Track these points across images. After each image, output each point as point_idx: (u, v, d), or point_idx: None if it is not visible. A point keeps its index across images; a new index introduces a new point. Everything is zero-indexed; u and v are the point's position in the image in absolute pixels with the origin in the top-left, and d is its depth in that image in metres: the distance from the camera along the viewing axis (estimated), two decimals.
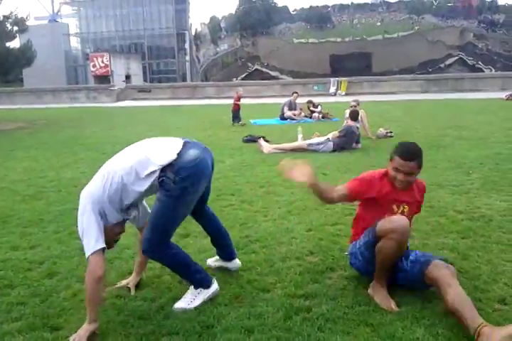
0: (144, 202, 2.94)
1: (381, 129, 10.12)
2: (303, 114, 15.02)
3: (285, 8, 58.97)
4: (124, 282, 3.06)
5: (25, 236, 4.16)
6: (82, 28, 62.43)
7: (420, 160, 3.04)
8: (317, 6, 55.92)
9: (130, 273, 3.13)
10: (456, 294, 2.42)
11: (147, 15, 60.21)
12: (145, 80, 55.01)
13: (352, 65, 48.43)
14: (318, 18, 54.47)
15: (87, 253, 2.51)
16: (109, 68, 47.35)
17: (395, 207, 2.95)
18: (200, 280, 2.79)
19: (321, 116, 14.71)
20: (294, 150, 8.53)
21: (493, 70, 45.03)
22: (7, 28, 19.40)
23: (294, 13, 58.91)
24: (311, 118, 14.77)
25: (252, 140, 9.61)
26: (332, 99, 23.11)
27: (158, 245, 2.67)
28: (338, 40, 52.74)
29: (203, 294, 2.78)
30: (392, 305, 2.66)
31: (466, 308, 2.35)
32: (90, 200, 2.56)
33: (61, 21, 62.45)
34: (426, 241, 3.71)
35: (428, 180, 5.88)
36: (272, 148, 8.57)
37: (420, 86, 27.82)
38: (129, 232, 3.16)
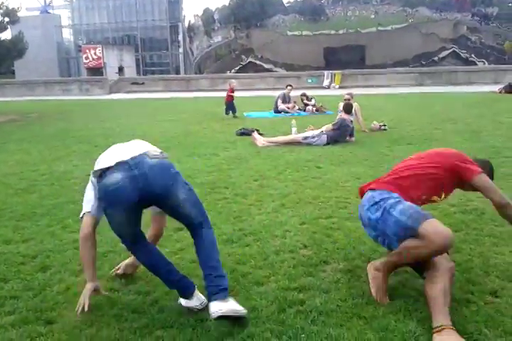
0: None
1: (375, 122, 10.13)
2: (297, 107, 15.00)
3: (279, 0, 58.74)
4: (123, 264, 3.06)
5: (18, 230, 4.14)
6: (74, 20, 61.92)
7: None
8: None
9: None
10: (440, 289, 2.41)
11: (140, 7, 59.79)
12: (138, 72, 54.73)
13: (346, 57, 48.41)
14: (312, 11, 54.31)
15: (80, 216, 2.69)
16: (101, 60, 47.07)
17: (443, 194, 2.98)
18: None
19: (314, 109, 14.70)
20: (287, 143, 8.53)
21: (486, 63, 45.14)
22: None
23: (288, 5, 58.73)
24: (304, 111, 14.75)
25: (245, 133, 9.59)
26: (326, 92, 23.08)
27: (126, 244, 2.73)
28: (332, 32, 52.65)
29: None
30: (385, 299, 2.66)
31: (436, 306, 2.36)
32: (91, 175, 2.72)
33: (53, 12, 61.90)
34: None
35: None
36: (265, 141, 8.56)
37: (414, 79, 27.86)
38: None
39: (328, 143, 8.42)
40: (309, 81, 28.83)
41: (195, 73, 52.90)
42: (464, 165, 2.85)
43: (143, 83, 32.03)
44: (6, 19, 19.70)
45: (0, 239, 3.91)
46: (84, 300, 2.54)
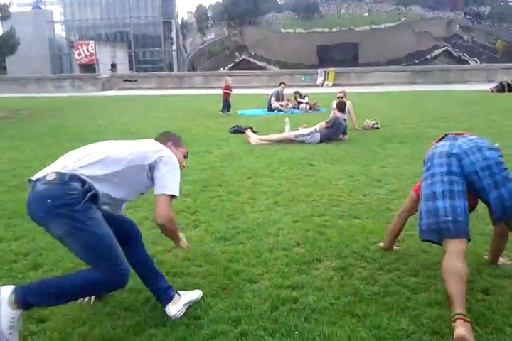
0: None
1: (368, 121, 10.16)
2: (290, 104, 15.00)
3: None
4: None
5: (10, 228, 4.12)
6: (66, 16, 61.50)
7: None
8: None
9: None
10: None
11: (133, 3, 59.49)
12: (131, 69, 54.48)
13: (339, 55, 48.45)
14: (305, 8, 54.29)
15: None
16: (94, 57, 46.79)
17: None
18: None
19: (308, 107, 14.71)
20: (281, 141, 8.53)
21: (479, 62, 45.36)
22: None
23: (282, 2, 58.66)
24: (298, 109, 14.76)
25: (239, 130, 9.58)
26: (319, 90, 23.09)
27: None
28: (326, 30, 52.67)
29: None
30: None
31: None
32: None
33: (45, 8, 61.40)
34: (411, 232, 3.73)
35: (413, 171, 5.94)
36: (259, 139, 8.56)
37: (407, 77, 27.93)
38: None
39: (321, 141, 8.43)
40: (303, 79, 28.83)
41: (189, 70, 52.75)
42: None
43: (136, 80, 31.88)
44: None
45: None
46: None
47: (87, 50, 47.06)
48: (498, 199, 2.59)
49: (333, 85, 26.81)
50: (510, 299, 2.64)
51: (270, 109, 14.66)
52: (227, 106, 13.95)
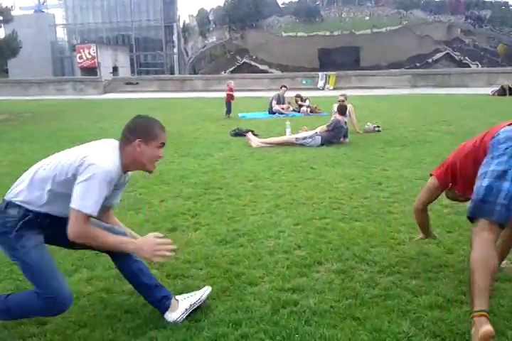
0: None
1: (369, 124, 10.16)
2: (291, 108, 15.02)
3: (274, 1, 58.71)
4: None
5: None
6: (68, 19, 61.64)
7: None
8: (306, 0, 55.77)
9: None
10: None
11: (135, 7, 59.60)
12: (132, 72, 54.59)
13: (340, 59, 48.49)
14: (306, 12, 54.33)
15: None
16: (96, 60, 46.89)
17: None
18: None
19: (309, 110, 14.72)
20: (282, 144, 8.54)
21: (480, 66, 45.37)
22: None
23: (283, 6, 58.69)
24: (299, 112, 14.77)
25: (240, 134, 9.59)
26: (320, 93, 23.12)
27: None
28: (327, 34, 52.71)
29: None
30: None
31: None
32: None
33: (47, 11, 61.57)
34: (412, 235, 3.74)
35: (414, 174, 5.94)
36: (260, 142, 8.57)
37: (408, 81, 27.94)
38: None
39: (322, 144, 8.43)
40: (304, 82, 28.85)
41: (190, 73, 52.79)
42: None
43: (137, 83, 31.93)
44: (0, 18, 19.60)
45: None
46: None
47: (89, 53, 47.16)
48: None
49: (334, 89, 26.83)
50: (511, 302, 2.63)
51: (271, 112, 14.68)
52: (228, 109, 14.00)
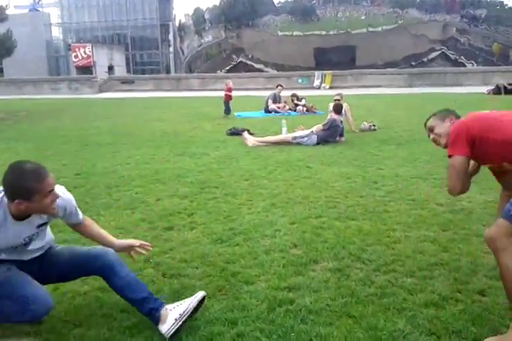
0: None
1: (364, 123, 10.18)
2: (287, 107, 15.03)
3: (270, 0, 58.78)
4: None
5: None
6: (63, 18, 61.47)
7: (437, 114, 3.03)
8: None
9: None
10: None
11: (130, 6, 59.49)
12: (128, 71, 54.47)
13: (336, 58, 48.59)
14: (302, 11, 54.42)
15: None
16: (91, 59, 46.79)
17: None
18: None
19: (305, 109, 14.73)
20: (278, 143, 8.54)
21: (475, 65, 45.51)
22: None
23: (279, 5, 58.80)
24: (295, 111, 14.78)
25: (236, 133, 9.59)
26: (316, 93, 23.15)
27: None
28: (323, 33, 52.81)
29: None
30: None
31: None
32: None
33: (42, 10, 61.35)
34: (408, 233, 3.75)
35: (410, 173, 5.96)
36: (256, 141, 8.57)
37: (404, 80, 28.04)
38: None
39: (318, 143, 8.43)
40: (300, 81, 28.90)
41: (186, 72, 52.76)
42: None
43: (133, 82, 31.90)
44: None
45: None
46: None
47: (84, 52, 47.06)
48: None
49: (330, 88, 26.88)
50: (506, 300, 2.64)
51: (267, 111, 14.69)
52: (228, 108, 13.99)
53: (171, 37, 60.54)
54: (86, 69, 45.25)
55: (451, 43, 50.92)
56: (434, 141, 2.85)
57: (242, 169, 6.45)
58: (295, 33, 53.30)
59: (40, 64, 54.87)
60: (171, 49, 60.92)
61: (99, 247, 2.62)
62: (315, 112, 14.37)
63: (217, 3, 59.16)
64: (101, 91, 30.18)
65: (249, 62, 53.22)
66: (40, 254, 2.56)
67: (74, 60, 47.82)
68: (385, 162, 6.74)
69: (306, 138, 8.48)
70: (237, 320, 2.48)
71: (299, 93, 16.45)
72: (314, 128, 8.67)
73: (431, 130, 2.87)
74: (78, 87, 30.97)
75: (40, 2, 62.05)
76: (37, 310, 2.34)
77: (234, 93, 14.74)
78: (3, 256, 2.44)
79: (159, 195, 5.14)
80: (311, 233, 3.82)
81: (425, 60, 49.87)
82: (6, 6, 20.26)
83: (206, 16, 59.72)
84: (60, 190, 2.46)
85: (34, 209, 2.25)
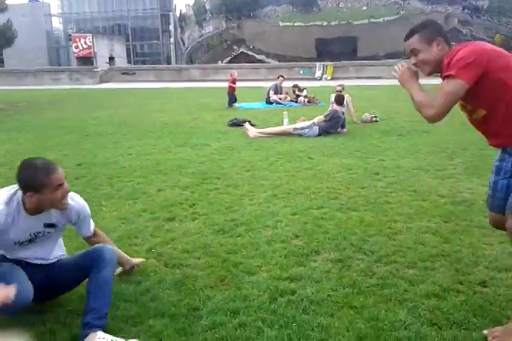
0: None
1: (366, 114, 10.15)
2: (288, 98, 14.99)
3: None
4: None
5: None
6: (64, 8, 61.16)
7: (421, 33, 2.35)
8: None
9: None
10: None
11: None
12: (129, 62, 54.26)
13: (338, 49, 48.30)
14: (304, 2, 53.99)
15: None
16: (92, 49, 46.61)
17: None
18: None
19: (306, 100, 14.69)
20: (279, 134, 8.52)
21: None
22: None
23: None
24: (296, 102, 14.74)
25: (237, 124, 9.57)
26: (318, 84, 23.06)
27: None
28: (324, 24, 52.43)
29: None
30: None
31: None
32: None
33: (42, 1, 60.97)
34: (409, 224, 3.75)
35: (411, 164, 5.95)
36: (257, 132, 8.55)
37: None
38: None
39: (319, 135, 8.42)
40: (301, 72, 28.78)
41: (187, 63, 52.52)
42: None
43: (134, 73, 31.79)
44: None
45: None
46: None
47: (85, 42, 46.86)
48: None
49: (332, 79, 26.77)
50: (507, 291, 2.65)
51: (269, 102, 14.64)
52: (234, 99, 13.93)
53: (171, 27, 60.24)
54: (86, 60, 45.10)
55: (454, 34, 50.55)
56: (416, 65, 2.44)
57: (244, 160, 6.45)
58: (296, 24, 52.96)
59: (40, 54, 54.67)
60: (172, 39, 60.64)
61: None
62: (316, 103, 14.32)
63: None
64: (102, 81, 30.10)
65: (250, 53, 52.95)
66: (47, 264, 2.56)
67: (74, 50, 47.64)
68: (387, 153, 6.73)
69: (307, 130, 8.46)
70: (239, 310, 2.50)
71: (301, 84, 16.39)
72: (316, 120, 8.64)
73: (414, 53, 2.37)
74: (79, 77, 30.89)
75: None
76: (16, 302, 2.12)
77: (236, 84, 14.66)
78: (10, 255, 2.47)
79: (161, 186, 5.15)
80: (313, 224, 3.82)
81: None
82: None
83: (207, 7, 59.29)
84: (74, 196, 2.54)
85: (45, 202, 2.33)
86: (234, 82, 14.26)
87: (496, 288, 2.68)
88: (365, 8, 53.91)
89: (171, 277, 2.90)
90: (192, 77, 29.82)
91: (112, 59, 48.65)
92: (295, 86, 15.64)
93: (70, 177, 2.69)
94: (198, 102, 15.45)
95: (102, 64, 40.35)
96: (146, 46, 61.75)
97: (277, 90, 14.95)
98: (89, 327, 2.25)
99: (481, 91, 2.17)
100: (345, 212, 4.12)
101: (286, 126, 8.98)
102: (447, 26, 50.86)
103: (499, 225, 2.36)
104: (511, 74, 2.14)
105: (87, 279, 2.46)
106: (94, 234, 2.73)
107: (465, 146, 6.99)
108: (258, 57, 51.22)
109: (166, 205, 4.42)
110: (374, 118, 10.00)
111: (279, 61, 44.17)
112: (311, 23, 52.30)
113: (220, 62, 48.26)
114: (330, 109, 9.14)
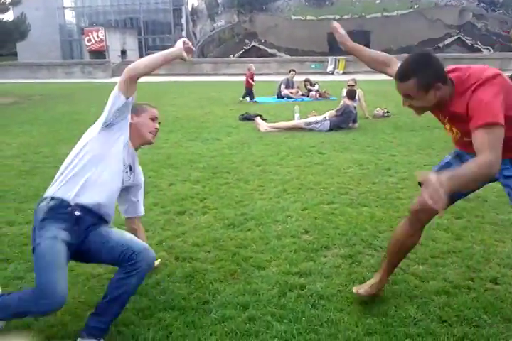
0: None
1: (378, 109, 10.09)
2: (300, 92, 14.93)
3: None
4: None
5: (21, 212, 4.15)
6: (76, 2, 61.23)
7: (418, 78, 2.03)
8: None
9: None
10: None
11: None
12: (141, 56, 54.29)
13: None
14: None
15: None
16: (104, 43, 46.71)
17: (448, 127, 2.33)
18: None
19: (318, 94, 14.63)
20: (290, 129, 8.51)
21: (492, 51, 44.72)
22: None
23: None
24: (308, 96, 14.68)
25: (248, 118, 9.56)
26: (329, 78, 22.94)
27: None
28: (337, 17, 51.96)
29: None
30: None
31: None
32: None
33: None
34: None
35: (423, 160, 5.92)
36: (268, 126, 8.54)
37: None
38: None
39: (331, 129, 8.39)
40: (313, 66, 28.62)
41: (198, 57, 52.46)
42: None
43: None
44: (8, 0, 19.50)
45: (3, 221, 3.93)
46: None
47: (97, 36, 46.95)
48: None
49: (344, 73, 26.60)
50: None
51: (280, 96, 14.60)
52: (251, 93, 13.85)
53: (183, 21, 60.13)
54: (99, 54, 45.23)
55: (468, 28, 49.95)
56: (409, 107, 2.20)
57: (254, 155, 6.45)
58: (309, 18, 52.60)
59: (53, 48, 54.90)
60: (184, 33, 60.49)
61: (143, 243, 2.35)
62: (328, 98, 14.26)
63: None
64: (114, 75, 30.15)
65: (262, 47, 52.73)
66: (100, 223, 2.39)
67: (87, 44, 47.75)
68: (398, 149, 6.69)
69: (319, 124, 8.43)
70: (249, 304, 2.51)
71: (312, 78, 16.31)
72: (327, 114, 8.61)
73: (409, 97, 2.13)
74: (91, 71, 31.00)
75: None
76: (48, 305, 2.04)
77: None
78: (81, 198, 2.34)
79: (172, 180, 5.17)
80: (323, 219, 3.82)
81: (441, 45, 49.02)
82: None
83: (219, 0, 59.10)
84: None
85: (140, 127, 2.67)
86: (252, 77, 14.08)
87: (508, 286, 2.67)
88: (378, 1, 53.39)
89: (181, 270, 2.92)
90: (203, 71, 29.80)
91: (124, 52, 48.73)
92: (307, 80, 15.58)
93: None
94: (210, 96, 15.44)
95: (114, 57, 40.46)
96: (158, 40, 61.70)
97: (289, 84, 14.90)
98: (89, 334, 2.18)
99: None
100: (356, 208, 4.11)
101: (297, 121, 8.96)
102: (462, 20, 50.31)
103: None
104: None
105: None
106: (138, 219, 2.84)
107: None
108: (270, 51, 51.01)
109: (176, 199, 4.44)
110: (386, 113, 9.93)
111: (291, 55, 44.00)
112: (323, 17, 51.89)
113: (231, 56, 48.15)
114: (341, 103, 9.09)
